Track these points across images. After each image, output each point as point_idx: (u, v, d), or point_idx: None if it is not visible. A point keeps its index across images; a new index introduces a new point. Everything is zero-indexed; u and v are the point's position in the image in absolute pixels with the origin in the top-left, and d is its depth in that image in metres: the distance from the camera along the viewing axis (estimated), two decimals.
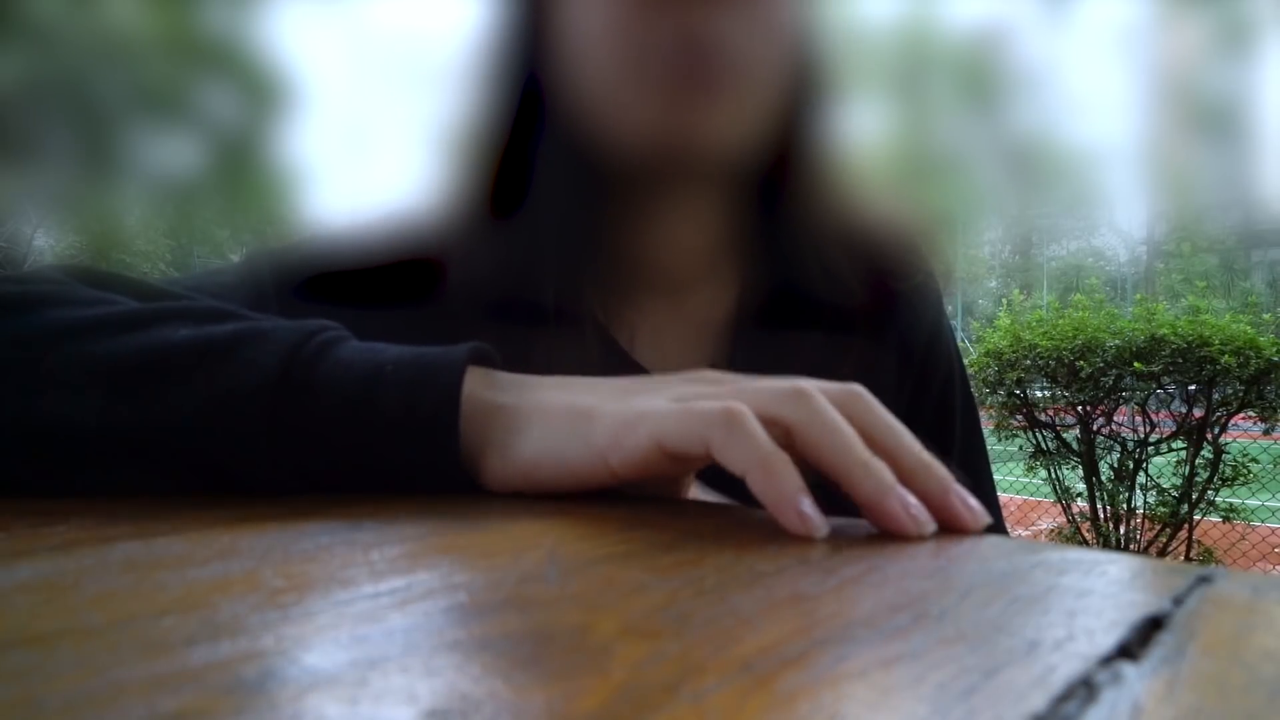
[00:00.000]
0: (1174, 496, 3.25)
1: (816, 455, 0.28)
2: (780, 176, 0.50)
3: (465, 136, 0.48)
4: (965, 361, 0.59)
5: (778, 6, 0.45)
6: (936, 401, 0.57)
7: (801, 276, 0.51)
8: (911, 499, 0.27)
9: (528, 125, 0.47)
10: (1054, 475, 3.45)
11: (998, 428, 3.49)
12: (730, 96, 0.44)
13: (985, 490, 0.59)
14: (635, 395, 0.31)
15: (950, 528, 0.27)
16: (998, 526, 0.58)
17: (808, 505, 0.26)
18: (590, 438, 0.30)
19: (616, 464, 0.30)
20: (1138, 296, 3.88)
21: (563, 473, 0.31)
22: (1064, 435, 3.42)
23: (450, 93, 0.49)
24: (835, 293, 0.51)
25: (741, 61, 0.44)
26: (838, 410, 0.29)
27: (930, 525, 0.27)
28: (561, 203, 0.47)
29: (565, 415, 0.31)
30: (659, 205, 0.49)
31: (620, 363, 0.50)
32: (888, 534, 0.26)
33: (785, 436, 0.28)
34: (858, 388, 0.30)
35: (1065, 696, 0.14)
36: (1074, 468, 3.43)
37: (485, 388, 0.33)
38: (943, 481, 0.28)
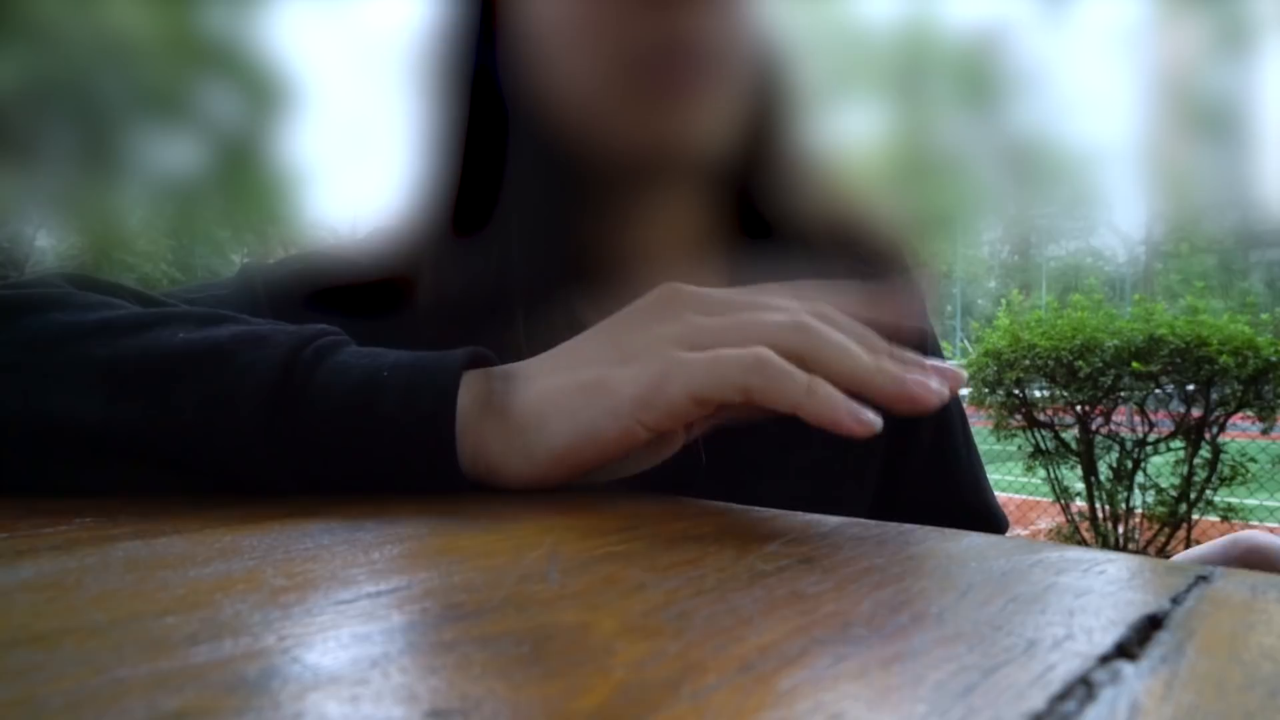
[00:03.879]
0: (1172, 496, 3.25)
1: (833, 375, 0.30)
2: (758, 169, 0.50)
3: (431, 140, 0.47)
4: (965, 361, 0.59)
5: (747, 1, 0.45)
6: None
7: (785, 270, 0.51)
8: (919, 378, 0.30)
9: (492, 127, 0.46)
10: (1052, 475, 3.45)
11: (996, 427, 3.49)
12: (711, 96, 0.44)
13: (981, 485, 0.59)
14: (637, 350, 0.32)
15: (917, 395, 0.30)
16: (997, 519, 0.58)
17: (857, 409, 0.29)
18: (617, 408, 0.31)
19: (650, 422, 0.31)
20: (1136, 296, 3.88)
21: (598, 449, 0.32)
22: (1062, 435, 3.42)
23: (416, 94, 0.48)
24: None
25: (720, 59, 0.44)
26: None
27: (943, 389, 0.30)
28: (533, 204, 0.46)
29: (580, 394, 0.32)
30: (636, 202, 0.49)
31: None
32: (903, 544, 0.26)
33: (798, 363, 0.30)
34: (823, 306, 0.33)
35: (1064, 695, 0.14)
36: (1073, 467, 3.43)
37: (486, 390, 0.33)
38: (914, 359, 0.32)
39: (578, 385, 0.32)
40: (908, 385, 0.30)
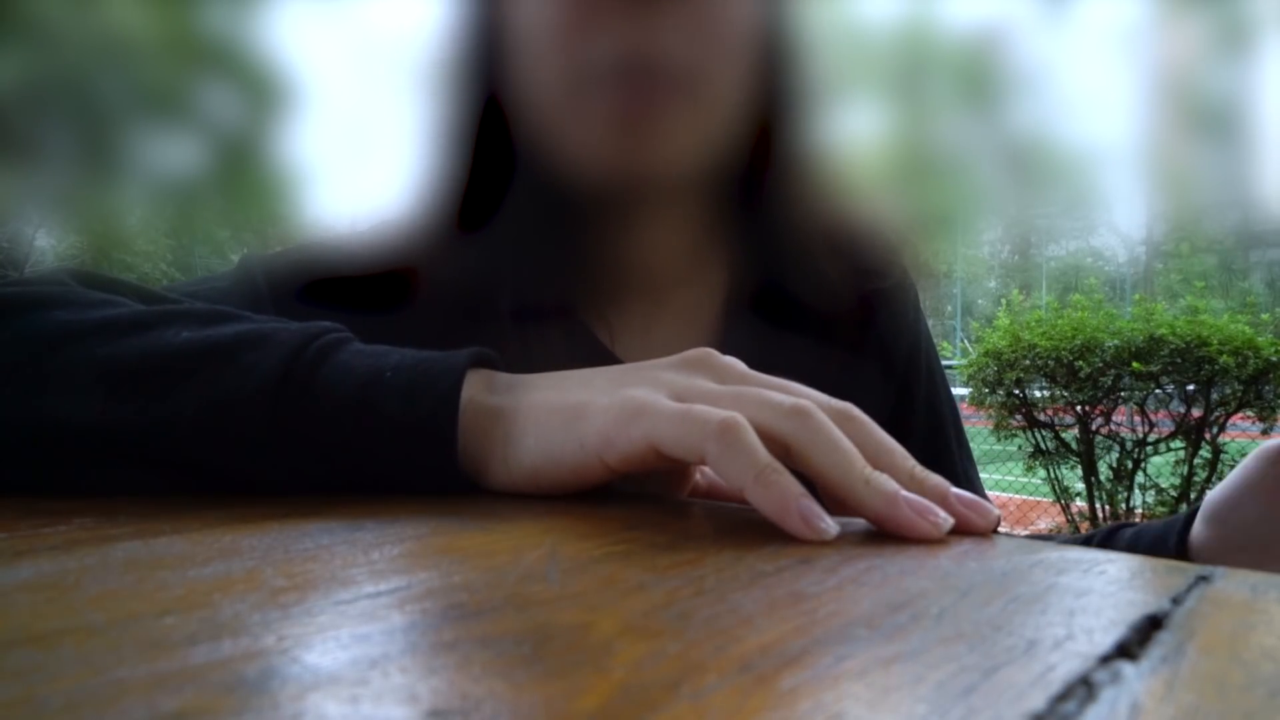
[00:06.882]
0: (1173, 496, 3.25)
1: (817, 473, 0.28)
2: (759, 176, 0.50)
3: (436, 143, 0.47)
4: (965, 361, 0.59)
5: (725, 9, 0.43)
6: (924, 406, 0.57)
7: (785, 276, 0.51)
8: (919, 500, 0.27)
9: (496, 131, 0.46)
10: (1053, 475, 3.45)
11: (997, 427, 3.49)
12: (679, 110, 0.43)
13: (975, 488, 0.59)
14: (630, 386, 0.31)
15: (960, 532, 0.27)
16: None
17: (811, 509, 0.25)
18: (583, 438, 0.30)
19: (612, 461, 0.30)
20: (1136, 297, 3.88)
21: (562, 474, 0.31)
22: (1063, 435, 3.42)
23: (423, 95, 0.48)
24: (818, 292, 0.51)
25: (689, 71, 0.42)
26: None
27: (947, 521, 0.26)
28: (534, 210, 0.47)
29: (558, 415, 0.31)
30: (633, 210, 0.49)
31: (605, 363, 0.50)
32: (903, 539, 0.26)
33: (783, 453, 0.28)
34: (852, 407, 0.30)
35: (1064, 695, 0.14)
36: (1073, 467, 3.44)
37: (485, 392, 0.33)
38: (939, 489, 0.28)
39: (562, 406, 0.31)
40: (898, 509, 0.26)
